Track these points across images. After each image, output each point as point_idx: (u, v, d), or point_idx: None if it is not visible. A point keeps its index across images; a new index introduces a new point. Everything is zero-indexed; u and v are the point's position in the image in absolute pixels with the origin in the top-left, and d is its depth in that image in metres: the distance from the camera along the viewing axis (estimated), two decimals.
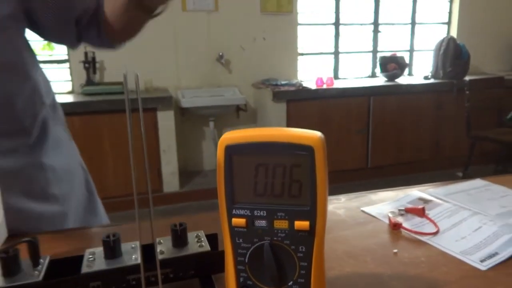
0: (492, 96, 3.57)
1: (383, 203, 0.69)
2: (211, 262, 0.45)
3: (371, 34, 4.13)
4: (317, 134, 0.35)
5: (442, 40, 3.89)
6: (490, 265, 0.50)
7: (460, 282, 0.47)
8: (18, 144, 0.65)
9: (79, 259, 0.44)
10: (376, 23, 4.11)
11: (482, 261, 0.50)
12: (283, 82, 3.45)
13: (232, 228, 0.37)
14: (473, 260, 0.51)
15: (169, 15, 3.23)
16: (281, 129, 0.36)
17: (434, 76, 3.92)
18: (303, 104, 3.37)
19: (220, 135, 2.65)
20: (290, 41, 3.75)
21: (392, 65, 3.86)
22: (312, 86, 3.48)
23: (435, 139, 3.82)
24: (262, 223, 0.36)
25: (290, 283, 0.37)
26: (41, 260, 0.43)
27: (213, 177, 3.50)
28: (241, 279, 0.38)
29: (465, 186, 0.76)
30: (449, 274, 0.48)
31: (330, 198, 0.72)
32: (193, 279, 0.45)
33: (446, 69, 3.83)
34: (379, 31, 4.17)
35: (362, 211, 0.67)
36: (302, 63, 3.88)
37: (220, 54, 3.46)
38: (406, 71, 4.03)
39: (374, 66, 4.16)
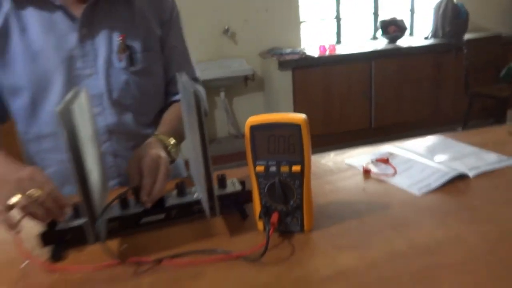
0: (489, 53, 3.72)
1: (362, 156, 0.94)
2: (243, 197, 0.72)
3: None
4: (303, 116, 0.60)
5: (441, 1, 4.01)
6: (422, 192, 0.76)
7: (407, 206, 0.73)
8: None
9: (160, 200, 0.71)
10: None
11: (418, 190, 0.76)
12: (287, 51, 3.64)
13: (256, 173, 0.63)
14: (414, 191, 0.77)
15: None
16: (281, 114, 0.61)
17: (434, 36, 4.07)
18: (307, 71, 3.57)
19: (231, 104, 2.95)
20: (292, 10, 3.90)
21: (392, 27, 4.01)
22: (316, 53, 3.66)
23: (435, 98, 4.00)
24: (273, 168, 0.62)
25: (291, 202, 0.63)
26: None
27: (226, 143, 3.78)
28: (263, 202, 0.65)
29: (427, 141, 1.02)
30: (396, 200, 0.75)
31: (322, 154, 0.99)
32: (232, 211, 0.72)
33: (445, 29, 3.97)
34: None
35: (346, 163, 0.93)
36: (305, 30, 4.04)
37: (226, 27, 3.65)
38: (408, 32, 4.17)
39: (375, 30, 4.30)
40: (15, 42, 0.87)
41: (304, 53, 3.60)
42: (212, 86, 3.57)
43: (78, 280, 0.59)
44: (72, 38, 0.90)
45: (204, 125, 0.59)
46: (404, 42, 3.98)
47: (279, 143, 0.61)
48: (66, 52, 0.90)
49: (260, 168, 0.63)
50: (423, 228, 0.65)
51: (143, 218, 0.69)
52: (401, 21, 4.08)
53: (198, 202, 0.71)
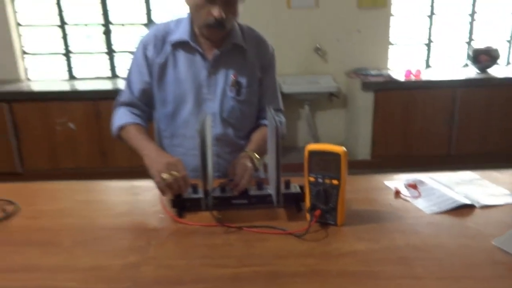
0: None
1: (397, 180, 1.23)
2: (300, 196, 1.05)
3: (467, 25, 4.26)
4: (343, 148, 0.92)
5: None
6: (432, 212, 1.03)
7: (416, 219, 1.01)
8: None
9: (246, 190, 1.08)
10: (472, 13, 4.22)
11: (430, 210, 1.04)
12: (372, 73, 3.86)
13: (309, 182, 0.97)
14: (426, 211, 1.04)
15: (275, 11, 3.80)
16: (330, 145, 0.94)
17: None
18: (390, 94, 3.76)
19: (314, 117, 3.36)
20: (383, 33, 4.10)
21: (484, 56, 4.01)
22: (401, 77, 3.82)
23: None
24: (320, 180, 0.95)
25: (330, 204, 0.96)
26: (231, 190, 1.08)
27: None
28: (311, 202, 0.98)
29: (458, 175, 1.26)
30: (410, 214, 1.03)
31: (369, 175, 1.28)
32: (291, 204, 1.06)
33: None
34: (474, 20, 4.28)
35: (384, 183, 1.22)
36: (394, 53, 4.21)
37: (318, 45, 3.97)
38: (503, 62, 4.12)
39: (467, 58, 4.31)
40: (169, 72, 1.33)
41: (389, 76, 3.78)
42: (298, 99, 3.92)
43: (192, 230, 0.97)
44: (203, 73, 1.33)
45: (279, 149, 0.95)
46: (496, 71, 3.95)
47: (326, 164, 0.94)
48: (198, 82, 1.33)
49: (312, 179, 0.96)
50: (420, 235, 0.94)
51: (233, 200, 1.06)
52: (495, 50, 4.05)
53: (270, 195, 1.06)
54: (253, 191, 1.08)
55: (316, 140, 4.07)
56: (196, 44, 1.31)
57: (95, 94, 3.49)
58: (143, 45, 1.34)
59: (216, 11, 1.19)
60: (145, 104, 1.38)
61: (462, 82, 3.80)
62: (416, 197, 1.12)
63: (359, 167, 3.61)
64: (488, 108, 3.83)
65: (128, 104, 1.37)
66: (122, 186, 1.29)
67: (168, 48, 1.32)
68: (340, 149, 0.93)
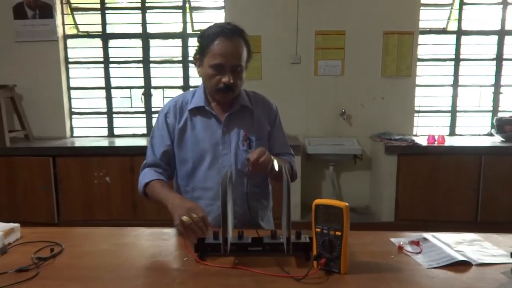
0: None
1: (403, 237, 1.33)
2: (309, 246, 1.18)
3: (491, 95, 4.38)
4: (344, 203, 1.06)
5: None
6: (430, 266, 1.12)
7: (414, 271, 1.11)
8: None
9: (261, 238, 1.21)
10: (497, 85, 4.36)
11: (428, 265, 1.13)
12: (396, 137, 3.99)
13: (316, 232, 1.10)
14: (424, 265, 1.14)
15: (304, 79, 4.07)
16: (334, 200, 1.07)
17: None
18: (413, 158, 3.85)
19: (338, 178, 3.52)
20: (407, 100, 4.27)
21: (509, 127, 4.07)
22: (424, 142, 3.92)
23: None
24: (326, 231, 1.08)
25: (334, 253, 1.08)
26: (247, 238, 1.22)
27: None
28: (318, 250, 1.10)
29: (460, 236, 1.35)
30: (409, 267, 1.13)
31: (377, 231, 1.39)
32: (301, 253, 1.18)
33: None
34: (501, 93, 4.40)
35: (390, 240, 1.32)
36: (419, 120, 4.34)
37: (343, 110, 4.18)
38: None
39: (491, 127, 4.38)
40: (188, 134, 1.57)
41: (413, 141, 3.90)
42: (323, 160, 4.06)
43: (211, 271, 1.11)
44: (218, 133, 1.57)
45: (290, 203, 1.09)
46: None
47: (330, 216, 1.07)
48: (215, 140, 1.57)
49: (318, 230, 1.10)
50: (415, 284, 1.04)
51: (250, 247, 1.19)
52: None
53: (282, 244, 1.19)
54: (268, 239, 1.22)
55: (340, 199, 4.13)
56: (210, 108, 1.56)
57: (130, 150, 3.77)
58: (164, 114, 1.59)
59: (225, 78, 1.46)
60: (166, 164, 1.59)
61: (487, 149, 3.85)
62: (417, 253, 1.22)
63: (383, 228, 3.63)
64: None
65: (152, 165, 1.60)
66: (152, 232, 1.45)
67: (186, 114, 1.58)
68: (342, 204, 1.06)
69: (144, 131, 4.34)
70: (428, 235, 1.34)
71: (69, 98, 4.30)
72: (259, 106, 1.63)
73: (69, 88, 4.28)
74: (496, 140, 4.10)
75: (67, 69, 4.23)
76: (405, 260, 1.18)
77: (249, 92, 1.66)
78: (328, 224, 1.08)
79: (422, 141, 3.94)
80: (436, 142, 3.93)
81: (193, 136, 1.56)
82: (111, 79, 4.27)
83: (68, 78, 4.25)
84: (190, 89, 1.69)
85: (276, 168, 1.42)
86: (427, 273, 1.10)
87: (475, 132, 4.41)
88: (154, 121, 4.30)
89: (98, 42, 4.21)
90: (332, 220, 1.08)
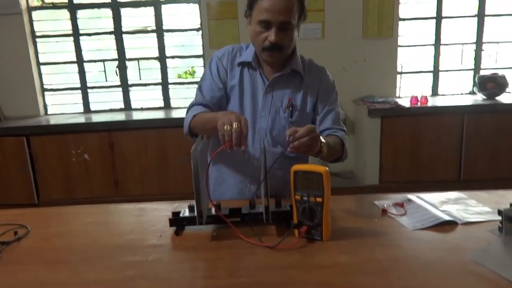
0: None
1: (387, 200, 1.28)
2: (290, 214, 1.12)
3: (473, 53, 4.34)
4: (324, 167, 0.99)
5: None
6: (415, 228, 1.08)
7: (398, 234, 1.07)
8: None
9: (239, 209, 1.15)
10: (479, 42, 4.30)
11: (413, 227, 1.09)
12: (379, 100, 3.94)
13: (295, 200, 1.04)
14: (409, 227, 1.10)
15: None
16: (313, 165, 1.01)
17: None
18: (396, 120, 3.82)
19: None
20: (389, 61, 4.20)
21: (491, 84, 4.05)
22: (407, 104, 3.89)
23: None
24: (306, 198, 1.02)
25: (315, 220, 1.02)
26: (226, 207, 1.16)
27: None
28: (298, 217, 1.04)
29: (446, 195, 1.31)
30: (394, 230, 1.09)
31: (360, 195, 1.34)
32: (282, 222, 1.13)
33: None
34: (482, 50, 4.36)
35: (374, 203, 1.28)
36: (401, 82, 4.29)
37: None
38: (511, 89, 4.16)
39: (474, 85, 4.36)
40: (233, 85, 1.48)
41: (396, 103, 3.85)
42: None
43: (187, 246, 1.05)
44: (261, 91, 1.48)
45: (266, 170, 1.02)
46: (504, 98, 3.98)
47: (310, 182, 1.01)
48: (256, 99, 1.48)
49: (298, 197, 1.04)
50: (400, 248, 0.99)
51: (228, 218, 1.13)
52: (502, 77, 4.10)
53: (261, 213, 1.13)
54: (246, 210, 1.15)
55: (324, 165, 4.11)
56: (257, 65, 1.47)
57: (108, 126, 3.64)
58: (218, 57, 1.51)
59: (271, 36, 1.34)
60: (216, 107, 1.50)
61: (469, 107, 3.84)
62: (401, 215, 1.18)
63: (367, 192, 3.64)
64: (496, 134, 3.84)
65: (200, 104, 1.50)
66: (126, 209, 1.38)
67: (236, 65, 1.50)
68: (322, 168, 1.00)
69: (122, 105, 4.20)
70: (412, 196, 1.30)
71: (40, 75, 4.11)
72: (313, 75, 1.51)
73: (39, 64, 4.08)
74: (478, 98, 4.09)
75: (34, 43, 4.02)
76: (389, 223, 1.14)
77: (305, 59, 1.55)
78: (308, 191, 1.02)
79: (405, 102, 3.90)
80: (419, 103, 3.90)
81: (239, 88, 1.48)
82: (83, 53, 4.08)
83: (36, 53, 4.04)
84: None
85: (325, 151, 1.27)
86: (412, 235, 1.06)
87: (458, 92, 4.39)
88: (131, 95, 4.18)
89: (65, 13, 4.00)
90: (311, 186, 1.02)
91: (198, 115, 1.43)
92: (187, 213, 1.15)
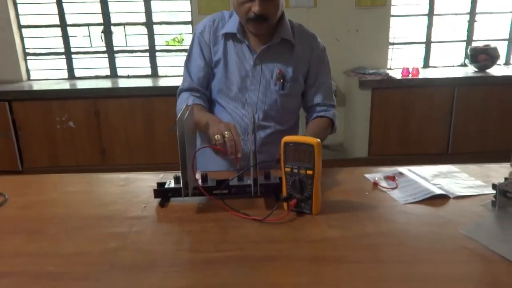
0: None
1: (378, 173, 1.25)
2: (279, 187, 1.09)
3: (466, 24, 4.27)
4: (316, 140, 0.95)
5: None
6: (406, 201, 1.06)
7: (389, 208, 1.04)
8: None
9: (226, 181, 1.11)
10: (472, 13, 4.23)
11: (404, 200, 1.07)
12: (370, 71, 3.88)
13: (285, 172, 1.00)
14: (401, 201, 1.07)
15: None
16: (304, 137, 0.97)
17: None
18: (387, 92, 3.78)
19: None
20: (382, 32, 4.11)
21: (483, 56, 4.02)
22: (398, 75, 3.84)
23: None
24: (296, 170, 0.99)
25: (305, 193, 0.99)
26: (213, 179, 1.12)
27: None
28: (288, 190, 1.01)
29: (438, 168, 1.29)
30: (384, 204, 1.06)
31: (350, 168, 1.31)
32: (271, 195, 1.10)
33: None
34: (475, 21, 4.29)
35: (364, 176, 1.25)
36: (394, 52, 4.23)
37: None
38: (503, 60, 4.13)
39: (465, 57, 4.32)
40: (218, 58, 1.40)
41: (387, 75, 3.81)
42: None
43: (172, 218, 1.01)
44: (249, 64, 1.39)
45: (256, 140, 0.98)
46: (496, 71, 3.96)
47: (301, 154, 0.97)
48: (244, 72, 1.40)
49: (288, 169, 1.00)
50: (391, 223, 0.97)
51: (214, 190, 1.09)
52: (494, 49, 4.06)
53: (249, 185, 1.09)
54: (234, 182, 1.12)
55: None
56: (243, 37, 1.38)
57: (93, 92, 3.54)
58: (199, 33, 1.42)
59: (255, 7, 1.25)
60: (205, 87, 1.45)
61: (460, 80, 3.81)
62: (392, 188, 1.15)
63: (356, 164, 3.64)
64: (486, 107, 3.83)
65: (189, 90, 1.44)
66: (110, 178, 1.33)
67: (220, 36, 1.40)
68: (314, 140, 0.96)
69: (108, 72, 4.08)
70: (403, 169, 1.28)
71: (21, 38, 3.95)
72: (303, 42, 1.41)
73: (20, 27, 3.91)
74: (470, 70, 4.06)
75: (15, 5, 3.84)
76: (380, 197, 1.11)
77: (294, 23, 1.44)
78: (298, 163, 0.99)
79: (397, 74, 3.86)
80: (410, 75, 3.85)
81: (223, 62, 1.40)
82: (66, 16, 3.91)
83: (17, 15, 3.87)
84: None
85: None
86: (403, 209, 1.04)
87: (449, 64, 4.35)
88: (117, 61, 4.05)
89: None
90: (302, 159, 0.98)
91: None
92: (172, 184, 1.11)
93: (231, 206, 1.04)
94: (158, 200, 1.10)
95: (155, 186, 1.12)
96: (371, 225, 0.95)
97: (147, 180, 1.27)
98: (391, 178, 1.21)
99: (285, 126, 1.47)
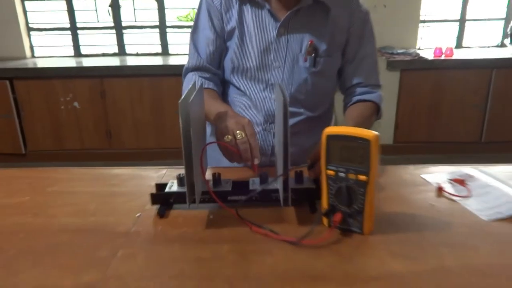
0: None
1: (439, 173, 0.97)
2: (314, 193, 0.82)
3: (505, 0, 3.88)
4: (374, 133, 0.68)
5: None
6: (491, 218, 0.78)
7: (469, 227, 0.77)
8: None
9: (246, 182, 0.85)
10: None
11: (487, 216, 0.79)
12: (399, 51, 3.54)
13: (327, 176, 0.73)
14: (482, 216, 0.79)
15: None
16: (356, 128, 0.69)
17: None
18: (417, 74, 3.45)
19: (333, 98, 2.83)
20: (412, 8, 3.75)
21: None
22: (430, 56, 3.50)
23: None
24: (342, 174, 0.71)
25: (354, 206, 0.72)
26: (228, 180, 0.85)
27: None
28: (330, 201, 0.74)
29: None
30: (461, 221, 0.78)
31: (401, 165, 1.04)
32: (304, 204, 0.83)
33: None
34: None
35: (422, 177, 0.97)
36: (424, 31, 3.87)
37: None
38: None
39: (503, 36, 3.94)
40: (232, 27, 1.12)
41: (418, 55, 3.47)
42: None
43: (174, 235, 0.75)
44: (272, 33, 1.10)
45: (288, 129, 0.70)
46: None
47: (350, 153, 0.70)
48: (264, 44, 1.10)
49: (331, 173, 0.72)
50: (480, 252, 0.69)
51: (230, 196, 0.83)
52: None
53: (276, 190, 0.83)
54: (255, 185, 0.85)
55: (336, 122, 3.80)
56: (264, 0, 1.09)
57: (100, 71, 3.29)
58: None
59: None
60: (216, 66, 1.18)
61: (499, 61, 3.45)
62: (465, 197, 0.87)
63: (382, 152, 3.36)
64: None
65: (196, 69, 1.18)
66: (101, 175, 1.07)
67: (235, 1, 1.12)
68: (370, 133, 0.68)
69: (115, 49, 3.82)
70: (473, 170, 0.99)
71: (25, 12, 3.69)
72: (340, 4, 1.11)
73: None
74: (509, 51, 3.69)
75: None
76: (451, 209, 0.83)
77: None
78: (346, 164, 0.71)
79: (428, 55, 3.52)
80: (443, 56, 3.51)
81: (239, 32, 1.12)
82: None
83: None
84: None
85: None
86: (489, 229, 0.76)
87: (485, 44, 3.98)
88: (125, 38, 3.78)
89: None
90: (352, 159, 0.70)
91: None
92: (175, 187, 0.85)
93: (252, 218, 0.78)
94: (156, 207, 0.84)
95: (153, 186, 0.87)
96: (450, 256, 0.68)
97: (145, 178, 1.02)
98: (459, 181, 0.92)
99: (317, 112, 1.19)
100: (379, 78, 1.21)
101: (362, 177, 0.70)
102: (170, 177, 0.99)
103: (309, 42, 1.10)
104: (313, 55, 1.10)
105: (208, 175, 0.92)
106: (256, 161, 0.83)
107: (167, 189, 0.84)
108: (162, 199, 0.83)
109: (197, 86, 0.82)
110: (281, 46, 1.10)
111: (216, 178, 0.85)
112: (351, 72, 1.17)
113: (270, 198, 0.83)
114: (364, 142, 0.68)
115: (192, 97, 0.74)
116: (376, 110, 1.16)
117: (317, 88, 1.15)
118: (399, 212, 0.82)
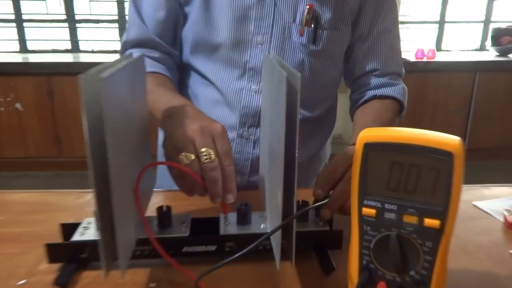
0: None
1: (496, 199, 0.67)
2: (329, 239, 0.49)
3: (485, 2, 3.75)
4: (457, 139, 0.36)
5: None
6: None
7: None
8: None
9: (215, 220, 0.51)
10: None
11: None
12: None
13: (361, 216, 0.40)
14: None
15: None
16: (420, 131, 0.37)
17: None
18: None
19: None
20: None
21: (507, 38, 3.50)
22: (411, 58, 3.30)
23: None
24: (392, 215, 0.39)
25: (412, 272, 0.40)
26: (185, 217, 0.51)
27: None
28: (364, 262, 0.42)
29: None
30: None
31: None
32: (310, 256, 0.50)
33: None
34: None
35: (474, 205, 0.66)
36: (403, 32, 3.68)
37: None
38: None
39: (484, 39, 3.80)
40: None
41: None
42: None
43: None
44: None
45: (297, 135, 0.37)
46: None
47: (409, 176, 0.38)
48: (241, 10, 0.75)
49: (370, 211, 0.40)
50: None
51: (185, 246, 0.49)
52: None
53: (264, 234, 0.49)
54: (230, 227, 0.51)
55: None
56: None
57: (47, 67, 2.87)
58: None
59: None
60: (169, 41, 0.81)
61: (482, 64, 3.29)
62: None
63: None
64: (510, 96, 3.34)
65: (139, 44, 0.79)
66: (26, 201, 0.71)
67: None
68: (450, 141, 0.36)
69: (68, 45, 3.40)
70: None
71: None
72: None
73: None
74: (490, 54, 3.54)
75: None
76: None
77: None
78: (401, 196, 0.39)
79: (409, 56, 3.31)
80: (425, 58, 3.31)
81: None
82: None
83: None
84: None
85: None
86: None
87: (464, 47, 3.82)
88: (79, 33, 3.37)
89: None
90: (414, 187, 0.38)
91: None
92: (92, 231, 0.50)
93: (223, 283, 0.44)
94: (57, 266, 0.49)
95: (67, 221, 0.51)
96: None
97: (60, 210, 0.66)
98: None
99: (316, 112, 0.85)
100: (401, 65, 0.89)
101: (431, 222, 0.38)
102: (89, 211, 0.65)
103: (308, 7, 0.75)
104: (312, 26, 0.76)
105: (152, 208, 0.57)
106: (230, 199, 0.49)
107: (77, 236, 0.49)
108: (66, 254, 0.48)
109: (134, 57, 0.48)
110: (266, 13, 0.75)
111: (164, 213, 0.51)
112: (364, 54, 0.83)
113: (255, 249, 0.49)
114: (440, 158, 0.36)
115: (114, 72, 0.39)
116: (398, 111, 0.84)
117: (318, 75, 0.81)
118: (467, 268, 0.50)
